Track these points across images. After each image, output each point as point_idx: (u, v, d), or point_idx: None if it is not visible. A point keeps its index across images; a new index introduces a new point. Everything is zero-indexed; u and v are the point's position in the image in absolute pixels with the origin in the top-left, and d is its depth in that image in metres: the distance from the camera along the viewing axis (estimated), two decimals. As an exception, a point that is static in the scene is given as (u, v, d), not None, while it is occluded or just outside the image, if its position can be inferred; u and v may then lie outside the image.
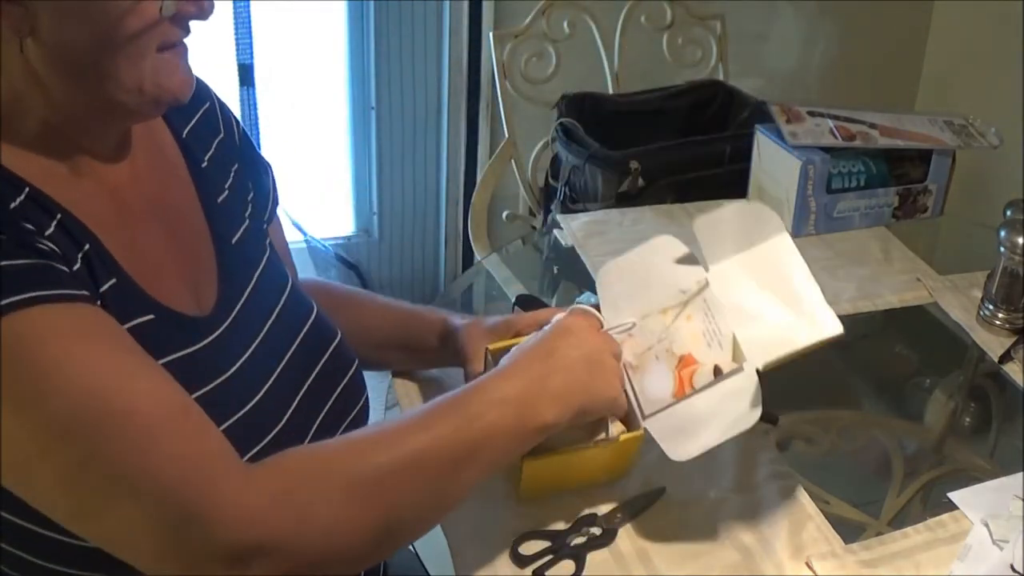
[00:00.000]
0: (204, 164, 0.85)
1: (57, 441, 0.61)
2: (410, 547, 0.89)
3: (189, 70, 0.74)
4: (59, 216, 0.68)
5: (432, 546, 0.86)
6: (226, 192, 0.86)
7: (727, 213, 0.93)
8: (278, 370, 0.82)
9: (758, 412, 0.81)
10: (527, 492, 0.88)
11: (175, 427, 0.64)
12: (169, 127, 0.84)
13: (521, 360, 0.80)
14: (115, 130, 0.76)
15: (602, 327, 0.86)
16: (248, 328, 0.82)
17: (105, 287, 0.69)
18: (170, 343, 0.72)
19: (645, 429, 0.85)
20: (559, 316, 0.86)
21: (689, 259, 0.91)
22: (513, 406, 0.76)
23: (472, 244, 1.96)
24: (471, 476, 0.73)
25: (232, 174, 0.88)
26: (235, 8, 2.04)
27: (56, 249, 0.66)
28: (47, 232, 0.66)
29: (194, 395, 0.71)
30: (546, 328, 0.84)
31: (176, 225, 0.80)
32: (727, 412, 0.83)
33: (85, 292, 0.65)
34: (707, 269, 0.91)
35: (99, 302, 0.67)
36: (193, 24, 0.73)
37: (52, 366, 0.61)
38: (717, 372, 0.86)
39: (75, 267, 0.67)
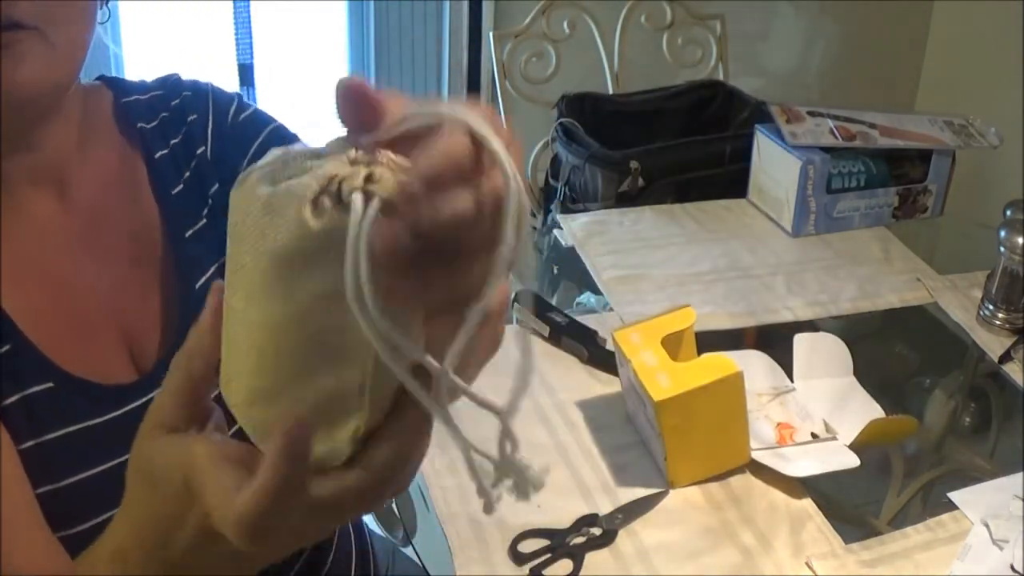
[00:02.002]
0: (177, 189, 0.75)
1: None
2: (410, 546, 0.89)
3: (33, 63, 0.61)
4: None
5: (432, 545, 0.86)
6: (203, 222, 0.76)
7: (817, 342, 1.08)
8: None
9: (856, 460, 0.93)
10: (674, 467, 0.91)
11: None
12: (143, 147, 0.75)
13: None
14: (13, 152, 0.66)
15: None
16: None
17: None
18: (67, 415, 0.66)
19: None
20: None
21: (777, 370, 1.06)
22: None
23: (472, 244, 1.96)
24: None
25: (210, 197, 0.77)
26: (235, 8, 2.04)
27: None
28: None
29: (97, 469, 0.66)
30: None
31: (122, 268, 0.71)
32: (827, 456, 0.94)
33: None
34: (792, 380, 1.05)
35: None
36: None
37: None
38: (814, 436, 0.97)
39: None
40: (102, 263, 0.70)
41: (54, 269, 0.68)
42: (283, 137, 0.80)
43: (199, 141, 0.78)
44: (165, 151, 0.76)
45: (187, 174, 0.76)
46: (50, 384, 0.65)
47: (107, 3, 0.71)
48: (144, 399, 0.69)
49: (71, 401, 0.66)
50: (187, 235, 0.74)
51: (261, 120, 0.81)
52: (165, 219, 0.74)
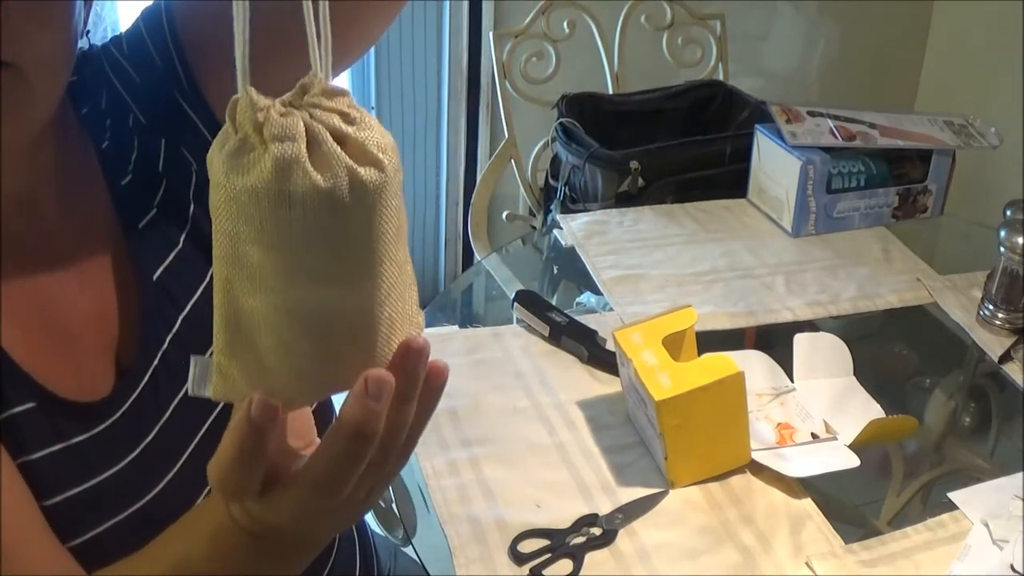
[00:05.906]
0: (126, 180, 0.72)
1: None
2: (410, 546, 0.89)
3: (10, 102, 0.58)
4: None
5: (432, 545, 0.86)
6: (153, 211, 0.72)
7: (817, 342, 1.08)
8: (198, 437, 0.71)
9: (856, 460, 0.92)
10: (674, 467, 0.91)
11: None
12: (91, 135, 0.72)
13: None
14: None
15: None
16: (164, 391, 0.70)
17: None
18: (51, 434, 0.65)
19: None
20: None
21: (777, 370, 1.06)
22: None
23: (472, 244, 1.96)
24: None
25: (163, 179, 0.73)
26: (235, 8, 2.04)
27: None
28: None
29: (82, 487, 0.66)
30: None
31: (90, 275, 0.69)
32: (827, 456, 0.94)
33: None
34: (793, 380, 1.05)
35: None
36: None
37: None
38: (814, 437, 0.97)
39: None
40: (82, 275, 0.69)
41: (36, 288, 0.67)
42: (159, 10, 0.73)
43: (125, 113, 0.73)
44: (107, 140, 0.72)
45: (134, 155, 0.73)
46: (31, 404, 0.64)
47: (88, 34, 0.68)
48: (122, 410, 0.68)
49: (52, 421, 0.65)
50: (140, 226, 0.72)
51: (135, 34, 0.74)
52: (118, 212, 0.72)
